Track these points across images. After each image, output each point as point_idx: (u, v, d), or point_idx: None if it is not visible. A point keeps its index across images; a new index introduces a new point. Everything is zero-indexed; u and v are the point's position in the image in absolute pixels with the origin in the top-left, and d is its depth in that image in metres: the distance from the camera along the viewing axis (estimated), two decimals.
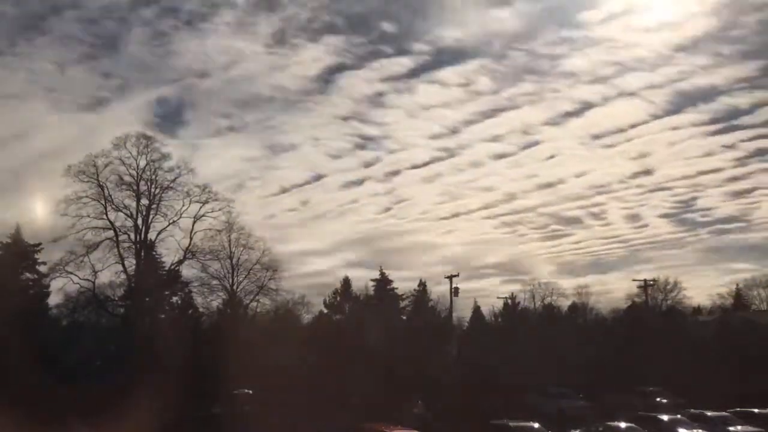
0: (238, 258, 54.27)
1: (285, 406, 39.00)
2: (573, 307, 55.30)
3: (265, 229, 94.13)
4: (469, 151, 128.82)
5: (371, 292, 60.18)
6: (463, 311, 66.49)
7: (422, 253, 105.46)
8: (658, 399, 41.46)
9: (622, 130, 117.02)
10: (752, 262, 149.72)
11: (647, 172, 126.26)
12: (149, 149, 50.42)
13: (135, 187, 50.01)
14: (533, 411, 39.96)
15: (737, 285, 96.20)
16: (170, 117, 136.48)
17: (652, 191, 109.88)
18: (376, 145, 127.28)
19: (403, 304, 60.10)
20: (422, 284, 60.65)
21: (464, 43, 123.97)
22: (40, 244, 48.14)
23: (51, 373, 36.47)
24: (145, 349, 38.49)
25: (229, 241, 53.48)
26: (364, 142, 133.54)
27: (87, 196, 48.65)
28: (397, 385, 45.68)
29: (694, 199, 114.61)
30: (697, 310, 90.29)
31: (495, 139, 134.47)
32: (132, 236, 50.18)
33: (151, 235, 51.09)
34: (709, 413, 32.62)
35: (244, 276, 54.39)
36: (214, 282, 53.55)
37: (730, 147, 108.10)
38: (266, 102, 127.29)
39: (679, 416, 33.01)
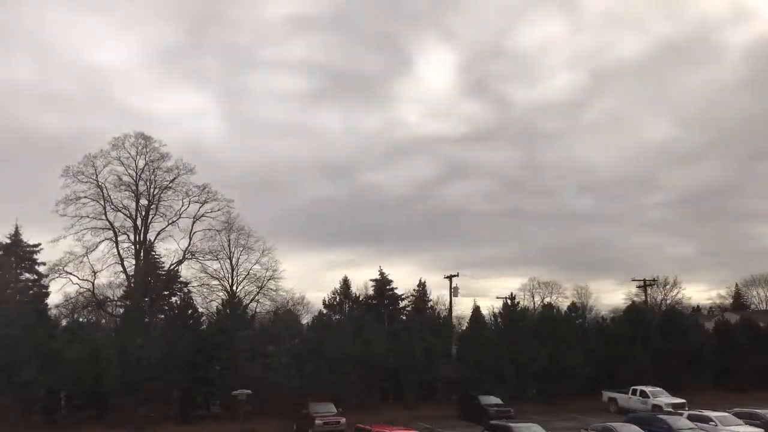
0: (238, 258, 54.42)
1: (284, 406, 39.01)
2: (573, 307, 55.16)
3: None
4: None
5: (370, 291, 60.15)
6: (462, 311, 66.98)
7: None
8: (657, 399, 41.39)
9: None
10: None
11: None
12: (148, 149, 50.45)
13: (134, 188, 50.03)
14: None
15: (736, 285, 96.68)
16: None
17: None
18: None
19: (402, 304, 60.00)
20: (422, 284, 60.62)
21: None
22: (39, 244, 48.04)
23: (50, 374, 36.36)
24: (144, 349, 38.37)
25: (229, 241, 53.62)
26: None
27: (86, 197, 48.73)
28: (395, 385, 45.70)
29: None
30: (697, 309, 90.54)
31: None
32: (131, 236, 50.23)
33: (150, 236, 51.21)
34: (709, 413, 32.62)
35: (243, 276, 54.55)
36: (214, 282, 53.73)
37: None
38: None
39: (679, 416, 33.01)
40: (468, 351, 47.42)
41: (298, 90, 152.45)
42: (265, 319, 50.46)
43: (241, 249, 53.92)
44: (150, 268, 52.32)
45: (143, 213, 50.42)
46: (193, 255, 51.81)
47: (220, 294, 52.87)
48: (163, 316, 49.34)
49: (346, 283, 56.53)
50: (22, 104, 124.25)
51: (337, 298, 55.76)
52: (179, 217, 51.18)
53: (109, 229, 49.45)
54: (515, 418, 35.58)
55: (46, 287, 47.93)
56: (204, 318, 47.04)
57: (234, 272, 54.36)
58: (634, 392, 43.13)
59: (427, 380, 45.90)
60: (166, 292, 53.21)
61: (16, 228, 47.32)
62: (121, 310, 51.37)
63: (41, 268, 48.10)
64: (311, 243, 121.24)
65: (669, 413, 35.46)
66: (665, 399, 41.25)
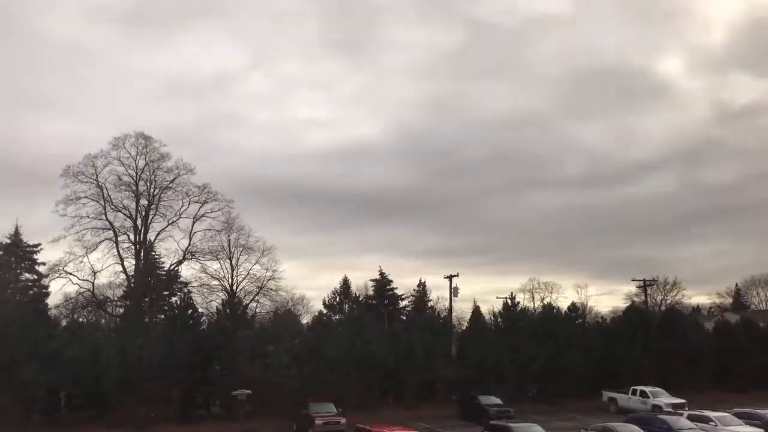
0: (238, 258, 54.40)
1: (284, 406, 39.01)
2: (573, 307, 55.12)
3: None
4: None
5: (370, 291, 60.15)
6: (462, 312, 66.93)
7: None
8: (657, 399, 41.39)
9: None
10: None
11: None
12: (148, 149, 50.46)
13: (134, 188, 50.04)
14: None
15: (736, 285, 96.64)
16: None
17: None
18: None
19: (402, 304, 60.03)
20: (422, 284, 60.67)
21: None
22: (39, 244, 48.08)
23: (50, 374, 36.35)
24: (144, 349, 38.36)
25: (229, 241, 53.58)
26: None
27: (86, 197, 48.76)
28: (395, 385, 45.66)
29: None
30: (697, 310, 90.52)
31: None
32: (131, 236, 50.24)
33: (151, 236, 51.25)
34: (709, 413, 32.62)
35: (243, 276, 54.54)
36: (214, 282, 53.70)
37: None
38: None
39: (679, 416, 33.01)
40: (468, 351, 47.40)
41: None
42: (265, 319, 50.47)
43: (241, 249, 53.95)
44: (150, 268, 52.34)
45: (143, 213, 50.46)
46: (193, 255, 51.86)
47: (220, 294, 52.91)
48: (163, 316, 49.33)
49: (346, 283, 56.54)
50: None
51: (337, 298, 55.76)
52: (179, 217, 51.27)
53: (109, 229, 49.49)
54: (515, 418, 35.57)
55: (46, 287, 48.00)
56: (204, 318, 47.05)
57: (234, 272, 54.39)
58: (634, 392, 43.12)
59: (427, 380, 45.85)
60: (166, 292, 53.21)
61: (16, 228, 47.39)
62: (121, 310, 51.37)
63: (41, 268, 48.19)
64: None
65: (669, 413, 35.46)
66: (665, 399, 41.25)
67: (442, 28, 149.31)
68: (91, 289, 49.14)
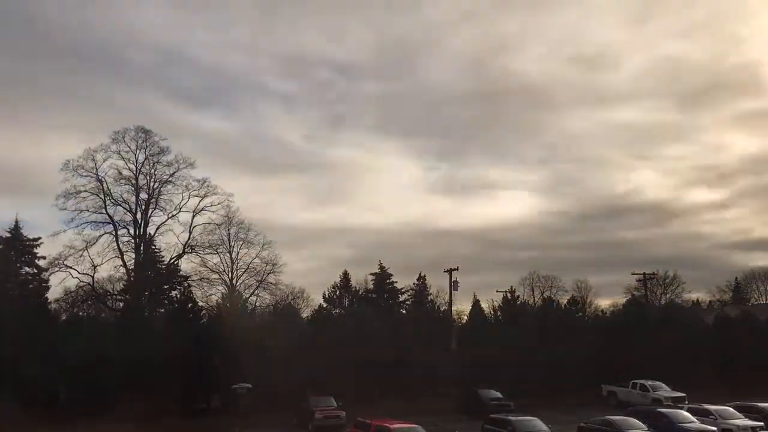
0: (238, 252, 54.45)
1: (283, 399, 39.03)
2: (572, 301, 55.19)
3: None
4: None
5: (370, 285, 60.11)
6: (462, 305, 66.87)
7: None
8: (657, 392, 41.42)
9: None
10: None
11: None
12: (148, 143, 50.44)
13: (134, 181, 50.04)
14: None
15: (736, 278, 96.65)
16: None
17: None
18: None
19: (402, 298, 60.00)
20: (422, 278, 60.59)
21: None
22: (39, 238, 48.07)
23: (50, 368, 36.36)
24: (144, 343, 38.37)
25: (229, 235, 53.69)
26: None
27: (86, 191, 48.76)
28: (395, 379, 45.70)
29: None
30: (696, 303, 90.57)
31: None
32: (131, 230, 50.29)
33: (150, 230, 51.28)
34: (709, 406, 32.61)
35: (243, 270, 54.58)
36: (214, 276, 53.79)
37: None
38: None
39: (679, 409, 33.01)
40: (468, 344, 47.42)
41: None
42: (265, 313, 50.53)
43: (241, 243, 54.05)
44: (150, 261, 52.34)
45: (143, 207, 50.46)
46: (193, 249, 51.87)
47: (220, 288, 53.00)
48: (163, 310, 49.39)
49: (346, 276, 56.46)
50: None
51: (337, 292, 55.71)
52: (179, 211, 51.30)
53: (109, 222, 49.51)
54: (515, 412, 35.60)
55: (46, 281, 47.98)
56: (204, 312, 47.06)
57: (234, 266, 54.47)
58: (633, 386, 43.16)
59: (427, 374, 45.90)
60: (166, 286, 53.22)
61: (16, 222, 47.34)
62: (121, 304, 51.36)
63: (41, 262, 48.16)
64: None
65: (669, 407, 35.49)
66: (665, 393, 41.28)
67: None
68: (91, 283, 49.15)
